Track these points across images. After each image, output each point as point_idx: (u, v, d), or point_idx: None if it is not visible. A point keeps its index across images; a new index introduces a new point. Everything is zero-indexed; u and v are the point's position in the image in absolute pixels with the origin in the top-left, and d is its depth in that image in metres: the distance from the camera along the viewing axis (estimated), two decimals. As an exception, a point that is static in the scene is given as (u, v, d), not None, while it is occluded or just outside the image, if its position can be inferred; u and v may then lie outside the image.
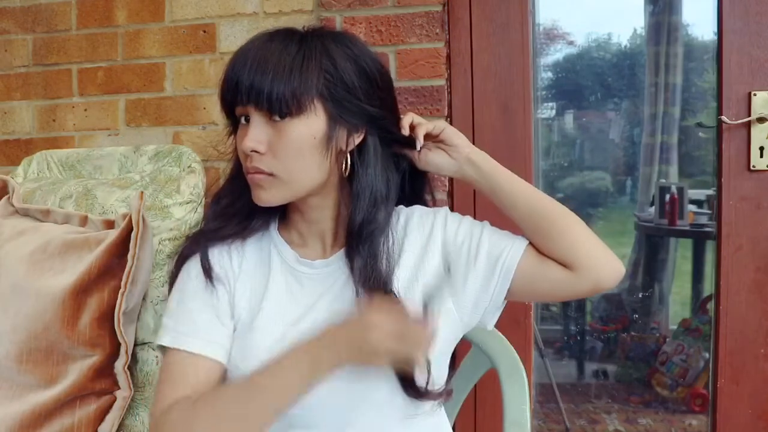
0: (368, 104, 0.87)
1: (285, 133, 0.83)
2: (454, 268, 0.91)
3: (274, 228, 0.96)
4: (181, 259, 0.92)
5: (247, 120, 0.86)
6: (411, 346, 0.78)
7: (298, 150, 0.84)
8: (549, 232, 0.89)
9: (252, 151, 0.84)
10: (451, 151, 0.92)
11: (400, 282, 0.89)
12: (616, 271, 0.89)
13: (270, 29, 0.88)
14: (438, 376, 0.90)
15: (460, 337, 0.95)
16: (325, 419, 0.88)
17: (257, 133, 0.84)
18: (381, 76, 0.89)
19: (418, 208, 0.96)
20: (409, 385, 0.87)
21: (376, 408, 0.89)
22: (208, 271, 0.90)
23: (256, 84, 0.82)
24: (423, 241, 0.93)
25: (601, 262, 0.88)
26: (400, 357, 0.79)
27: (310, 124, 0.84)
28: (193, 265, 0.91)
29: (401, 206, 0.97)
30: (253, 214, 0.93)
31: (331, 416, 0.88)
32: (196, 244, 0.92)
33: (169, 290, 0.94)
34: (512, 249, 0.90)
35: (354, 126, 0.87)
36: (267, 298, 0.92)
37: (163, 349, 0.89)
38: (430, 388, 0.88)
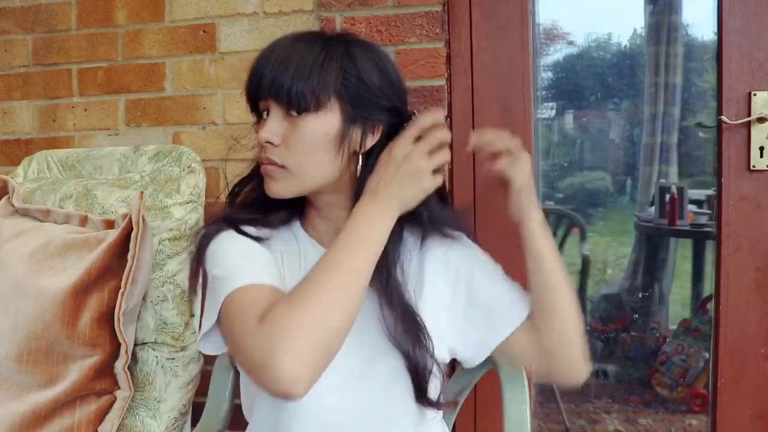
0: (387, 101, 0.89)
1: (299, 128, 0.86)
2: (456, 302, 0.94)
3: (296, 222, 0.97)
4: (206, 238, 0.90)
5: (269, 114, 0.89)
6: (431, 143, 0.84)
7: (310, 145, 0.86)
8: (547, 317, 0.91)
9: (266, 142, 0.87)
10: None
11: (417, 295, 0.91)
12: (580, 377, 0.93)
13: (299, 31, 0.92)
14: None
15: (447, 360, 0.96)
16: (343, 427, 0.89)
17: (274, 125, 0.87)
18: (400, 83, 0.92)
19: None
20: (421, 392, 0.89)
21: (390, 415, 0.90)
22: (248, 235, 0.90)
23: (278, 79, 0.85)
24: (440, 266, 0.95)
25: (573, 364, 0.92)
26: (433, 159, 0.84)
27: (325, 122, 0.86)
28: (230, 234, 0.90)
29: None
30: (276, 206, 0.94)
31: (348, 424, 0.89)
32: (222, 223, 0.91)
33: (195, 270, 0.90)
34: (508, 320, 0.93)
35: (371, 125, 0.88)
36: None
37: (227, 298, 0.83)
38: (440, 398, 0.91)
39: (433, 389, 0.90)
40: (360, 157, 0.88)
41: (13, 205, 1.42)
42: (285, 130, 0.87)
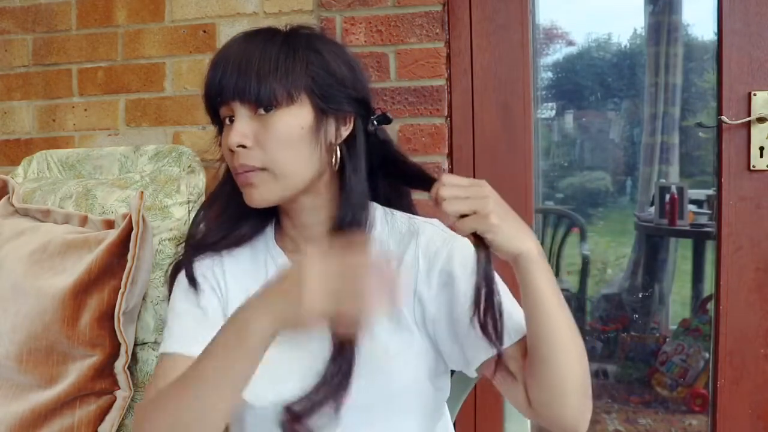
0: (354, 92, 0.86)
1: (272, 126, 0.81)
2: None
3: (270, 236, 0.93)
4: (174, 270, 0.92)
5: (231, 121, 0.83)
6: (352, 304, 0.66)
7: (287, 141, 0.81)
8: (540, 364, 0.80)
9: (238, 146, 0.81)
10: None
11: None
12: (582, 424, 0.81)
13: (250, 29, 0.88)
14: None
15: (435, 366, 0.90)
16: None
17: (242, 126, 0.81)
18: (363, 74, 0.89)
19: (427, 228, 0.89)
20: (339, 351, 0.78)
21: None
22: (193, 280, 0.89)
23: (241, 78, 0.80)
24: (425, 266, 0.86)
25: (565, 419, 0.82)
26: (340, 319, 0.67)
27: (297, 115, 0.82)
28: (183, 275, 0.91)
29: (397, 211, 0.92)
30: (243, 221, 0.90)
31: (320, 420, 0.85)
32: (189, 251, 0.91)
33: (168, 299, 0.94)
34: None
35: (342, 116, 0.85)
36: None
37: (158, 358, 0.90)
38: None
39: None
40: (338, 148, 0.85)
41: (13, 205, 1.42)
42: (256, 131, 0.81)
